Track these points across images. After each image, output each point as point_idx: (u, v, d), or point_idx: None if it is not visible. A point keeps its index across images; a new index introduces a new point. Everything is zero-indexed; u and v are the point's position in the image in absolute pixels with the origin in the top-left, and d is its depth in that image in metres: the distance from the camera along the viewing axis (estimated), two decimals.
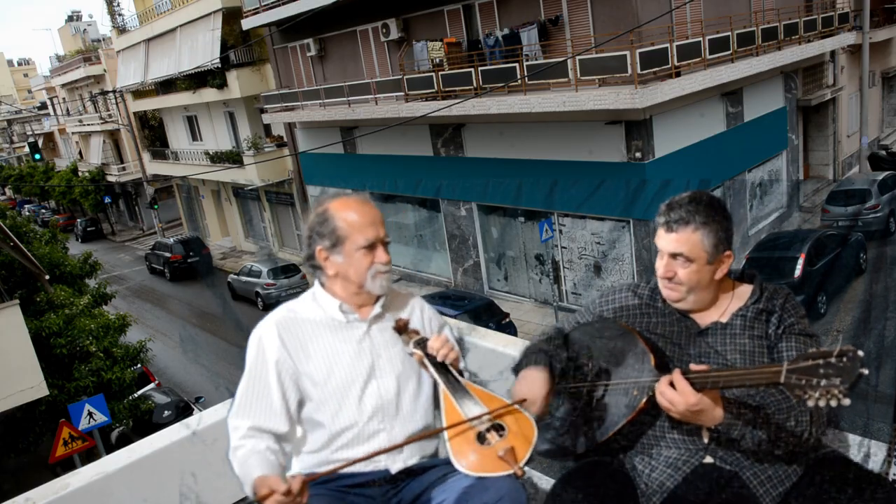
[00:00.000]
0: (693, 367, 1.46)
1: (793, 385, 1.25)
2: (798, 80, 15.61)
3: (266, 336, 1.70)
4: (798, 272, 10.90)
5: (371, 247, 1.69)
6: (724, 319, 1.65)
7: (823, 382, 1.20)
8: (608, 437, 1.61)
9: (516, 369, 1.81)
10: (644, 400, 1.55)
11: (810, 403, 1.22)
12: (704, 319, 1.67)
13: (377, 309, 1.76)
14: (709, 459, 1.56)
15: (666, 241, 1.61)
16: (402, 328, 1.76)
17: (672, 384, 1.44)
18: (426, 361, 1.68)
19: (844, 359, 1.20)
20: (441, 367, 1.66)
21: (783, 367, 1.27)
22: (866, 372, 1.18)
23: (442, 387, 1.63)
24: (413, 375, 1.76)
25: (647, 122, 11.14)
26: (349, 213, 1.70)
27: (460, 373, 1.74)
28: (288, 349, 1.68)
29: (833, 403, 1.19)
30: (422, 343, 1.71)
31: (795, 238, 12.06)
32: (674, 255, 1.60)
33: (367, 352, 1.72)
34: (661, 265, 1.64)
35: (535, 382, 1.68)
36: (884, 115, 20.94)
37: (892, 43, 19.88)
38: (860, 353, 1.18)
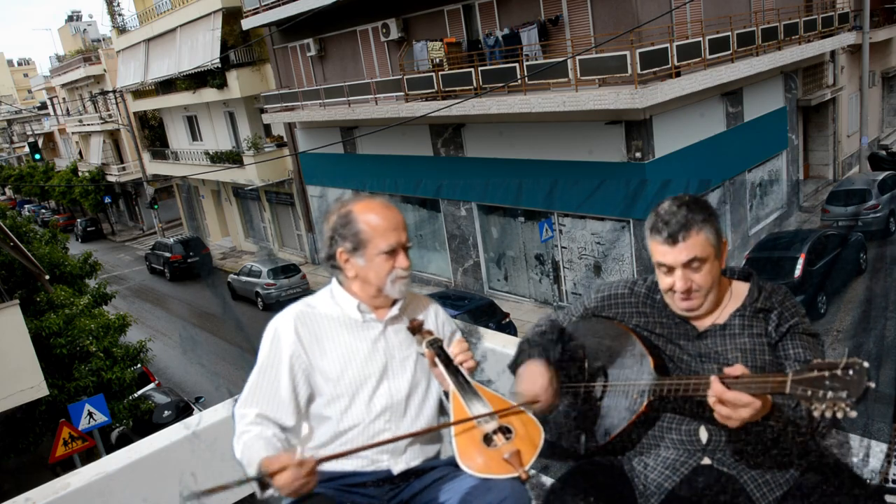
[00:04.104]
0: (728, 370, 1.37)
1: (798, 396, 1.22)
2: (798, 80, 15.61)
3: (283, 329, 1.70)
4: (798, 272, 10.89)
5: (392, 252, 1.69)
6: (721, 321, 1.63)
7: (830, 395, 1.18)
8: (609, 439, 1.61)
9: (513, 366, 1.80)
10: (645, 403, 1.54)
11: (816, 415, 1.20)
12: (703, 322, 1.64)
13: (394, 311, 1.76)
14: (707, 461, 1.56)
15: (675, 254, 1.55)
16: (416, 328, 1.76)
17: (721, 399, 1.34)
18: (437, 360, 1.68)
19: (851, 371, 1.17)
20: (453, 369, 1.67)
21: (788, 378, 1.24)
22: (873, 385, 1.15)
23: (452, 387, 1.63)
24: (424, 379, 1.77)
25: (647, 122, 11.14)
26: (372, 216, 1.70)
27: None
28: (303, 343, 1.69)
29: (839, 416, 1.17)
30: (434, 343, 1.71)
31: (795, 238, 12.05)
32: (688, 264, 1.54)
33: (382, 352, 1.73)
34: (678, 280, 1.56)
35: (537, 376, 1.66)
36: (884, 115, 20.94)
37: (892, 43, 19.87)
38: (866, 365, 1.16)
